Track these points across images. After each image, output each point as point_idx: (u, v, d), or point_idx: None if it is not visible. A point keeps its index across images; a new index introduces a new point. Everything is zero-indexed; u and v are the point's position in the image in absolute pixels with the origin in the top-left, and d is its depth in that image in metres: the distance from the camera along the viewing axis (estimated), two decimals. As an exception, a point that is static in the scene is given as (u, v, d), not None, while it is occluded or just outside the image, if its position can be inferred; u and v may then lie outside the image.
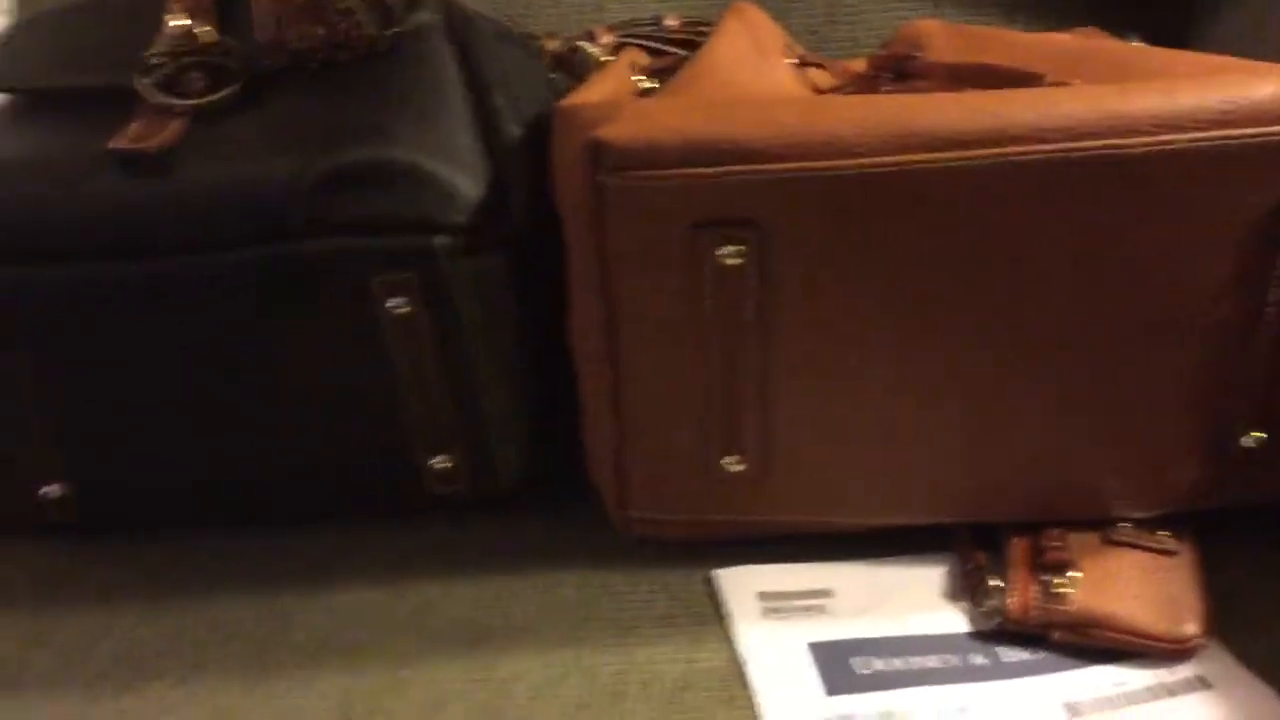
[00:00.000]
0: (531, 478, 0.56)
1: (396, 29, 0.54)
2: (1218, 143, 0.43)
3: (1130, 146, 0.43)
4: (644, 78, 0.65)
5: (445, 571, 0.54)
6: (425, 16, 0.55)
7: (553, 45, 0.76)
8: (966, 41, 0.63)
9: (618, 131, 0.44)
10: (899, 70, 0.60)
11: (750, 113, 0.44)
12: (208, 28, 0.53)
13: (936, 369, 0.48)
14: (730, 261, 0.45)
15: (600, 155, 0.44)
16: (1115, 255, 0.46)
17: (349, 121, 0.50)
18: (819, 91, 0.65)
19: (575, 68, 0.75)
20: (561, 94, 0.64)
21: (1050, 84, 0.50)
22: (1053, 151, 0.43)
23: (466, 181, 0.50)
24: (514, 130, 0.54)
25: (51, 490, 0.55)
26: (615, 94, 0.59)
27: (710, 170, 0.43)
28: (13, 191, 0.49)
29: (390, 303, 0.50)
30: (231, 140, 0.50)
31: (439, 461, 0.54)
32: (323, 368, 0.52)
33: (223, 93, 0.52)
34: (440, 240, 0.49)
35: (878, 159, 0.43)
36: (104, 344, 0.51)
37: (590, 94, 0.56)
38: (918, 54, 0.61)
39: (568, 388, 0.56)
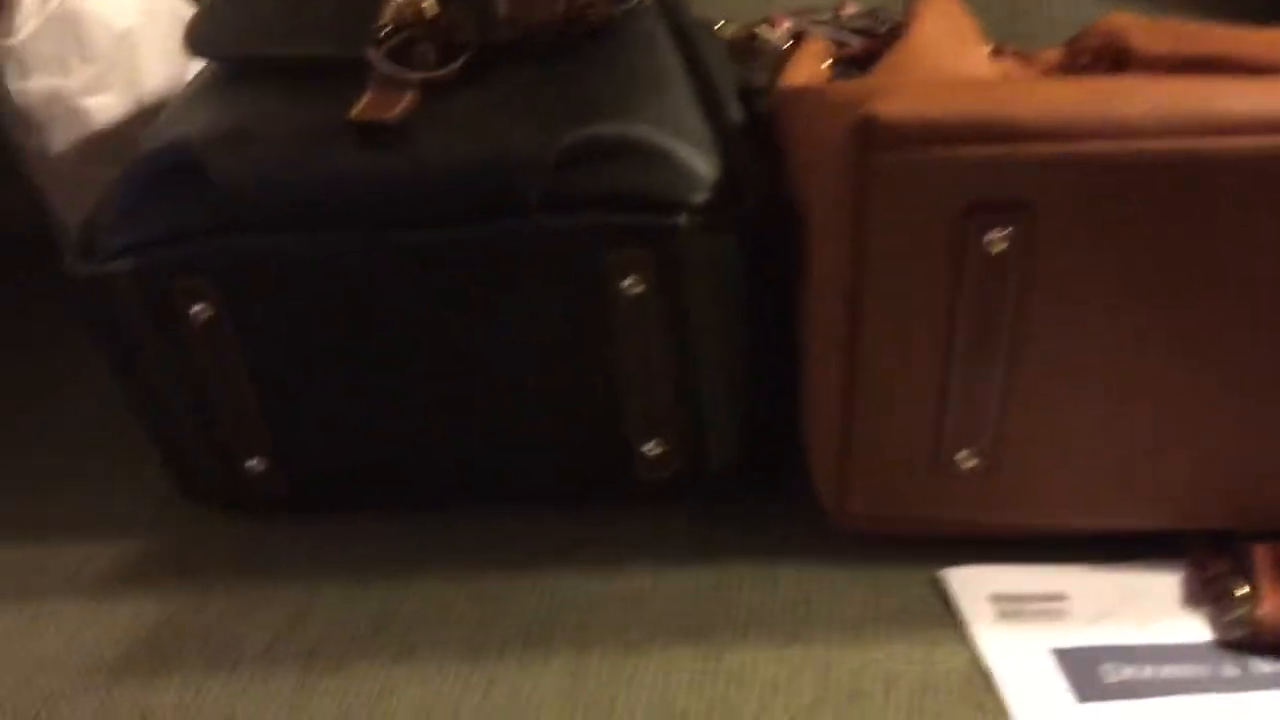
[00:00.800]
0: (744, 467, 0.54)
1: (632, 4, 0.53)
2: None
3: None
4: (834, 66, 0.63)
5: (657, 560, 0.53)
6: (647, -4, 0.54)
7: (729, 31, 0.74)
8: (1175, 34, 0.60)
9: (893, 107, 0.42)
10: (1116, 60, 0.58)
11: (1030, 90, 0.42)
12: (432, 1, 0.52)
13: (1186, 367, 0.46)
14: (996, 248, 0.43)
15: (872, 132, 0.42)
16: None
17: (589, 97, 0.49)
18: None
19: (750, 55, 0.74)
20: (741, 81, 0.62)
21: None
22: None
23: (704, 161, 0.49)
24: (733, 109, 0.53)
25: (257, 464, 0.54)
26: (815, 80, 0.57)
27: (987, 149, 0.41)
28: (259, 158, 0.48)
29: (624, 282, 0.48)
30: (464, 114, 0.49)
31: (652, 447, 0.53)
32: (546, 346, 0.50)
33: (453, 65, 0.51)
34: (681, 219, 0.47)
35: (1168, 142, 0.41)
36: (328, 314, 0.50)
37: (798, 75, 0.54)
38: (1134, 44, 0.59)
39: (782, 376, 0.54)
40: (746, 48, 0.74)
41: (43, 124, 0.66)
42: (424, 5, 0.52)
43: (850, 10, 0.78)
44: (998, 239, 0.44)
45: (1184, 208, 0.43)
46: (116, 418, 0.63)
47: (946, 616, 0.49)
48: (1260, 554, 0.50)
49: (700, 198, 0.48)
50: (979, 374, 0.47)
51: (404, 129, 0.48)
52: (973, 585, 0.50)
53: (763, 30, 0.75)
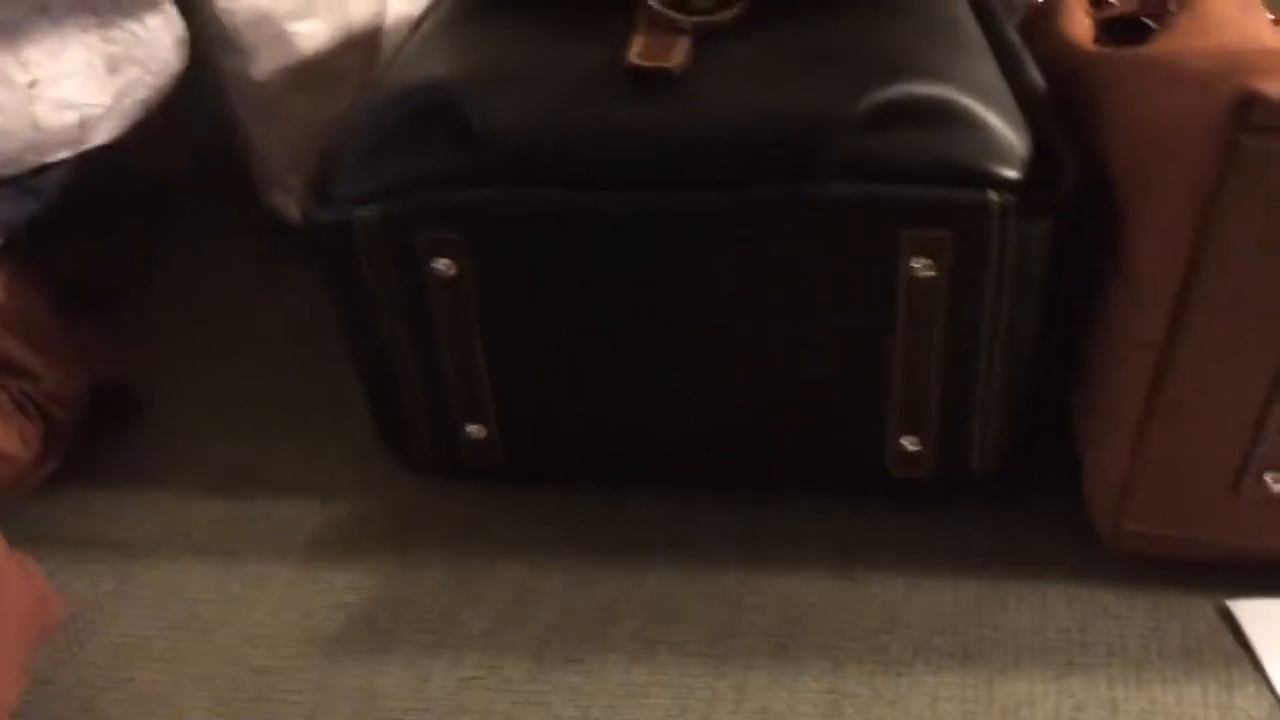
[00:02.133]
0: (1004, 472, 0.49)
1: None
2: None
3: None
4: (1097, 25, 0.57)
5: (911, 567, 0.48)
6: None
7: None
8: None
9: (1278, 85, 0.36)
10: None
11: None
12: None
13: None
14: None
15: (1252, 111, 0.37)
16: None
17: (884, 52, 0.44)
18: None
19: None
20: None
21: None
22: None
23: (1017, 132, 0.44)
24: (1034, 74, 0.47)
25: (476, 430, 0.51)
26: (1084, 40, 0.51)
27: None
28: (525, 103, 0.44)
29: (913, 263, 0.43)
30: (746, 64, 0.44)
31: (910, 442, 0.48)
32: (817, 324, 0.46)
33: (729, 11, 0.46)
34: (993, 196, 0.42)
35: None
36: (583, 277, 0.46)
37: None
38: None
39: (1052, 378, 0.49)
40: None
41: (248, 47, 0.63)
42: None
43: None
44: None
45: None
46: (320, 373, 0.60)
47: (1240, 654, 0.44)
48: None
49: (1015, 173, 0.43)
50: (1314, 391, 0.42)
51: (684, 79, 0.44)
52: (1270, 621, 0.45)
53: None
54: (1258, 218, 0.39)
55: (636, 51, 0.44)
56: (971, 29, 0.48)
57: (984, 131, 0.43)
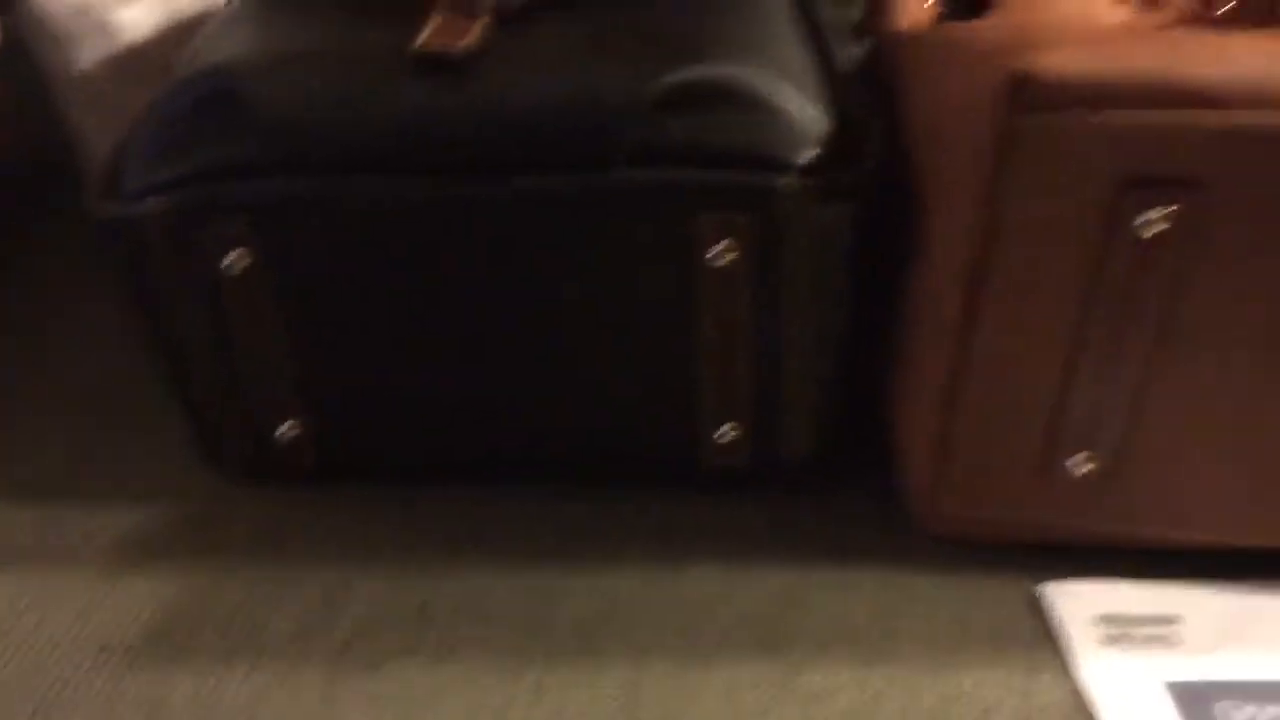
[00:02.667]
0: (820, 457, 0.49)
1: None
2: None
3: None
4: (937, 3, 0.57)
5: (726, 557, 0.48)
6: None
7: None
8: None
9: (1053, 62, 0.36)
10: (1271, 7, 0.51)
11: (1208, 47, 0.36)
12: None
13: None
14: (1153, 230, 0.38)
15: (1023, 90, 0.36)
16: None
17: (684, 35, 0.43)
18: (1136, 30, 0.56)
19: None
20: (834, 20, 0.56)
21: None
22: None
23: (816, 115, 0.43)
24: (849, 55, 0.47)
25: (286, 429, 0.49)
26: (924, 14, 0.51)
27: (1160, 114, 0.36)
28: (307, 90, 0.42)
29: (712, 250, 0.43)
30: (541, 49, 0.43)
31: (725, 430, 0.48)
32: (617, 314, 0.45)
33: (524, -8, 0.45)
34: (785, 180, 0.41)
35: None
36: (380, 268, 0.44)
37: (908, 12, 0.48)
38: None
39: (866, 361, 0.49)
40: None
41: (69, 38, 0.60)
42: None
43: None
44: (1156, 219, 0.38)
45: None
46: (137, 374, 0.58)
47: (1046, 639, 0.44)
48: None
49: (810, 157, 0.42)
50: (1111, 371, 0.42)
51: (474, 63, 0.43)
52: (1077, 604, 0.45)
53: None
54: (1040, 198, 0.38)
55: (425, 36, 0.43)
56: (781, 11, 0.47)
57: (780, 115, 0.42)
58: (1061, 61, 0.36)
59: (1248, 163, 0.36)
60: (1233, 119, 0.36)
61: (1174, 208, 0.37)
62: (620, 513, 0.50)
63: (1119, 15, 0.57)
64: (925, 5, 0.57)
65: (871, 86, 0.46)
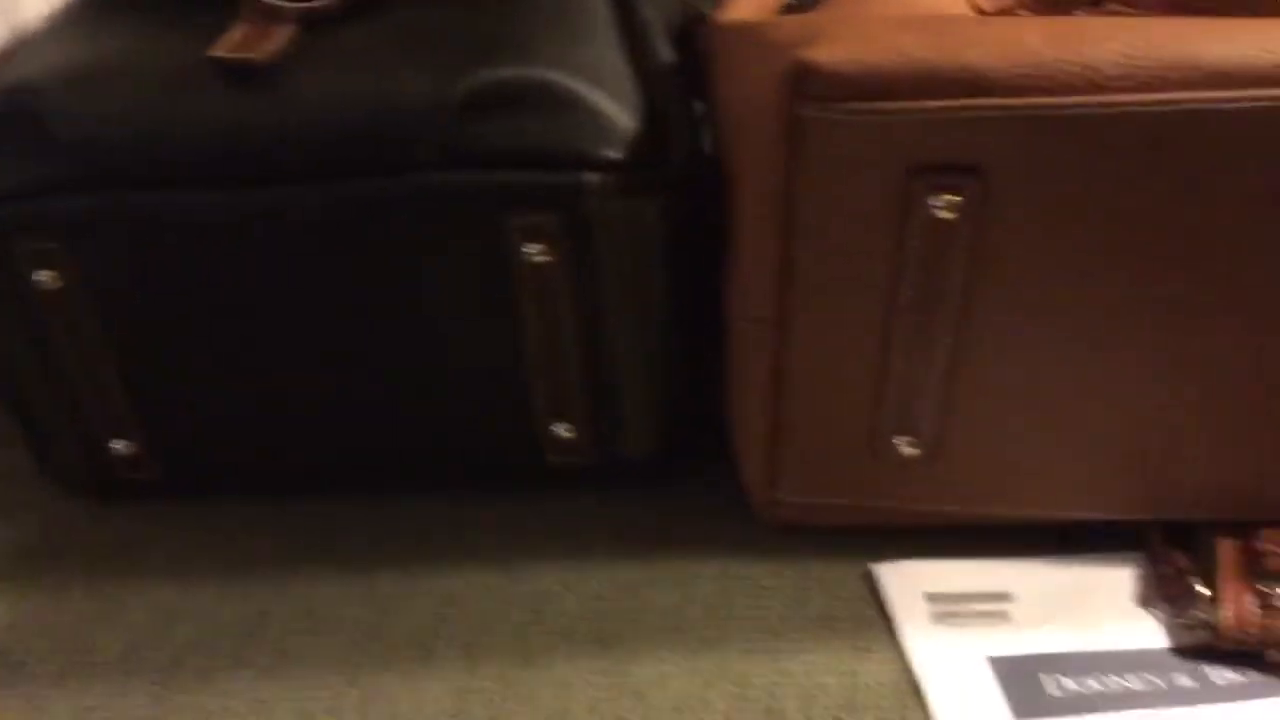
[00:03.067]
0: (662, 453, 0.49)
1: (530, -69, 0.46)
2: None
3: None
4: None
5: (567, 555, 0.48)
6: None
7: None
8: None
9: (830, 53, 0.36)
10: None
11: (989, 35, 0.37)
12: (313, -79, 0.46)
13: (1152, 346, 0.42)
14: (943, 215, 0.38)
15: (805, 82, 0.37)
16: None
17: (486, 37, 0.43)
18: (983, 14, 0.57)
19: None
20: (689, 8, 0.56)
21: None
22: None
23: (621, 110, 0.43)
24: (663, 50, 0.47)
25: (122, 445, 0.49)
26: (764, 9, 0.51)
27: (939, 103, 0.36)
28: (107, 104, 0.42)
29: (526, 249, 0.43)
30: (350, 53, 0.43)
31: (561, 429, 0.48)
32: (441, 315, 0.45)
33: (336, -4, 0.44)
34: (590, 178, 0.42)
35: (1138, 96, 0.36)
36: (196, 281, 0.44)
37: (743, 6, 0.49)
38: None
39: (709, 354, 0.49)
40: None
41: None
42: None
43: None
44: (945, 205, 0.38)
45: (1163, 170, 0.38)
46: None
47: (876, 618, 0.45)
48: (1225, 549, 0.46)
49: (616, 154, 0.42)
50: (921, 355, 0.42)
51: (279, 69, 0.42)
52: (907, 583, 0.46)
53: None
54: (833, 188, 0.39)
55: (226, 43, 0.43)
56: (599, 9, 0.47)
57: (586, 113, 0.42)
58: (840, 53, 0.36)
59: (1027, 147, 0.37)
60: (1008, 105, 0.36)
61: (961, 194, 0.38)
62: (464, 514, 0.50)
63: (958, 3, 0.58)
64: (758, 8, 0.57)
65: (693, 80, 0.46)
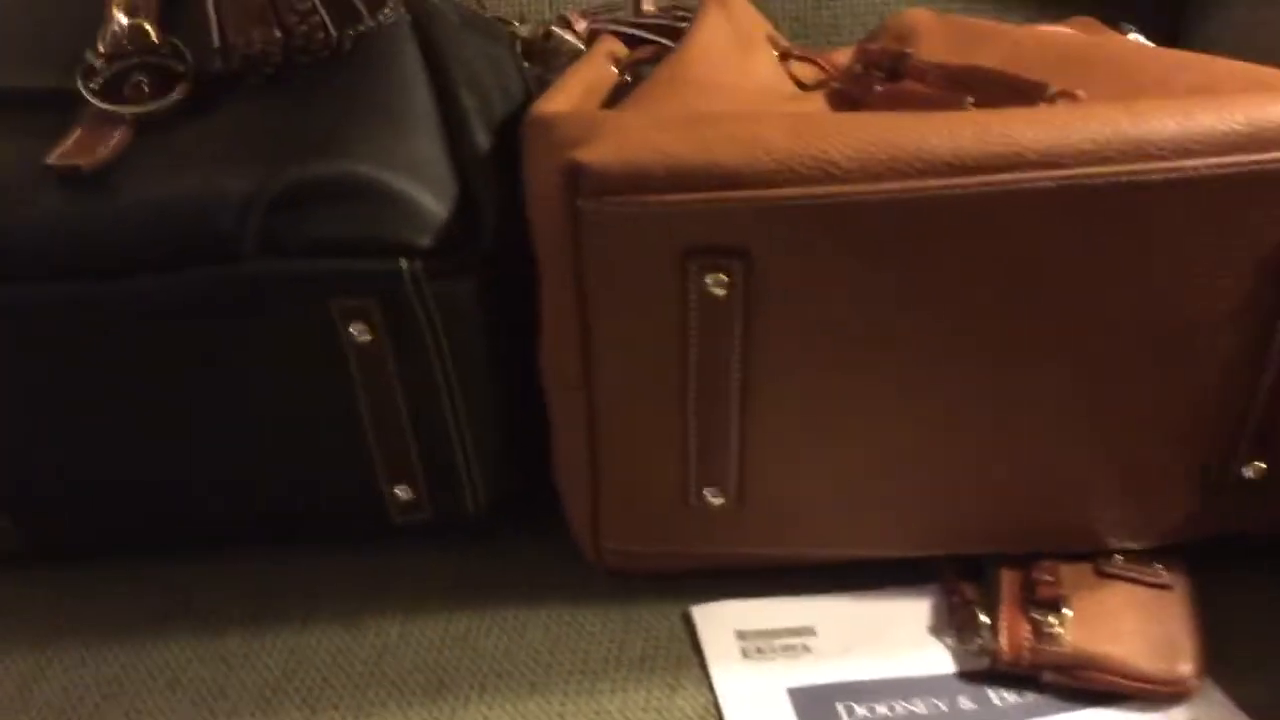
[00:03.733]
0: (502, 508, 0.53)
1: (362, 27, 0.50)
2: (1237, 169, 0.41)
3: (1147, 173, 0.41)
4: (624, 71, 0.61)
5: (410, 607, 0.51)
6: (389, 13, 0.51)
7: (524, 31, 0.72)
8: (960, 36, 0.60)
9: (597, 153, 0.40)
10: (892, 68, 0.57)
11: (737, 132, 0.41)
12: (151, 26, 0.49)
13: (926, 398, 0.46)
14: (715, 292, 0.42)
15: (578, 179, 0.41)
16: (1123, 281, 0.43)
17: (306, 133, 0.47)
18: (804, 87, 0.62)
19: (548, 56, 0.72)
20: (534, 86, 0.60)
21: (1056, 94, 0.47)
22: (1066, 178, 0.41)
23: (433, 198, 0.47)
24: (484, 138, 0.51)
25: (-12, 519, 0.52)
26: (592, 92, 0.55)
27: (696, 196, 0.40)
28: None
29: (351, 330, 0.46)
30: (180, 152, 0.47)
31: (401, 491, 0.51)
32: (278, 394, 0.48)
33: (169, 99, 0.48)
34: (404, 264, 0.45)
35: (876, 185, 0.40)
36: (42, 368, 0.47)
37: (566, 92, 0.52)
38: (910, 50, 0.58)
39: (539, 414, 0.53)
40: (542, 49, 0.72)
41: None
42: (143, 30, 0.49)
43: (650, 7, 0.76)
44: (715, 283, 0.42)
45: (901, 250, 0.42)
46: None
47: (691, 657, 0.48)
48: (1006, 580, 0.50)
49: (428, 240, 0.46)
50: (714, 418, 0.46)
51: (104, 173, 0.46)
52: (720, 623, 0.50)
53: (558, 29, 0.72)
54: (618, 271, 0.43)
55: (60, 150, 0.46)
56: (420, 100, 0.50)
57: (399, 204, 0.46)
58: (606, 153, 0.40)
59: (780, 232, 0.41)
60: (754, 198, 0.40)
61: (729, 274, 0.42)
62: (314, 572, 0.53)
63: (776, 76, 0.63)
64: (611, 70, 0.61)
65: (505, 165, 0.50)
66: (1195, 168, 0.40)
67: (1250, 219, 0.42)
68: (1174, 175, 0.40)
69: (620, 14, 0.75)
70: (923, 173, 0.40)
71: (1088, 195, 0.41)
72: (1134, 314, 0.44)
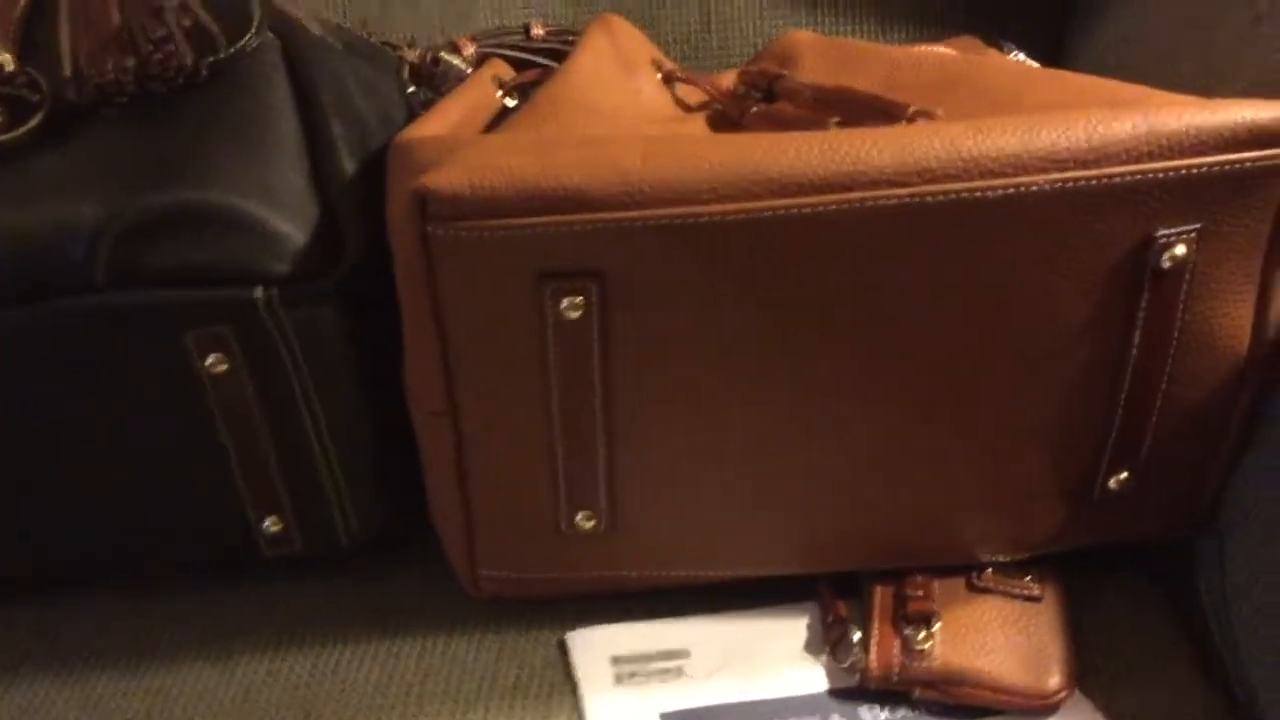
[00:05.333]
0: (374, 539, 0.52)
1: (220, 56, 0.49)
2: (1078, 184, 0.41)
3: (989, 189, 0.41)
4: (507, 94, 0.61)
5: (281, 642, 0.50)
6: (258, 39, 0.51)
7: (412, 56, 0.72)
8: (839, 57, 0.61)
9: (445, 179, 0.40)
10: (768, 90, 0.58)
11: (588, 154, 0.41)
12: (7, 55, 0.48)
13: (790, 417, 0.46)
14: (571, 314, 0.42)
15: (427, 204, 0.40)
16: (976, 297, 0.44)
17: (161, 161, 0.46)
18: (687, 109, 0.62)
19: (436, 81, 0.71)
20: (420, 111, 0.60)
21: (914, 114, 0.47)
22: (909, 196, 0.41)
23: (291, 224, 0.46)
24: (349, 164, 0.50)
25: None
26: (473, 116, 0.55)
27: (547, 219, 0.40)
28: None
29: (207, 360, 0.46)
30: (34, 181, 0.46)
31: (271, 524, 0.50)
32: (140, 427, 0.48)
33: (23, 128, 0.47)
34: (259, 292, 0.45)
35: (725, 206, 0.41)
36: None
37: (442, 115, 0.52)
38: (786, 72, 0.59)
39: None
40: (430, 73, 0.72)
41: None
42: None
43: (540, 31, 0.76)
44: (571, 307, 0.42)
45: (755, 270, 0.42)
46: None
47: (564, 683, 0.48)
48: (879, 596, 0.50)
49: (284, 267, 0.45)
50: (581, 442, 0.46)
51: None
52: (595, 648, 0.49)
53: (446, 55, 0.72)
54: (473, 295, 0.43)
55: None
56: (283, 128, 0.50)
57: (255, 231, 0.45)
58: (455, 178, 0.40)
59: (633, 254, 0.41)
60: (607, 220, 0.40)
61: (584, 296, 0.42)
62: (183, 608, 0.52)
63: (659, 99, 0.63)
64: (497, 95, 0.61)
65: (372, 190, 0.50)
66: (1036, 183, 0.41)
67: (1095, 232, 0.43)
68: (1013, 191, 0.41)
69: (510, 38, 0.75)
70: (771, 193, 0.41)
71: (932, 213, 0.41)
72: (989, 330, 0.44)
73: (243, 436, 0.48)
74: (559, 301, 0.42)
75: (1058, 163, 0.41)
